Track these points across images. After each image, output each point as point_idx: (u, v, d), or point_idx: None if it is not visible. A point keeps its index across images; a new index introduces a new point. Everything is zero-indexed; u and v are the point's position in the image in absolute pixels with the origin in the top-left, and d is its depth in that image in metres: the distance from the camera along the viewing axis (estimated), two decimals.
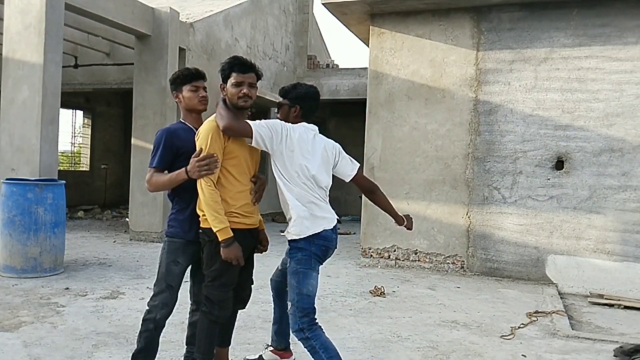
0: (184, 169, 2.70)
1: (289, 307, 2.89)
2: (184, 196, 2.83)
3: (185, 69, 3.04)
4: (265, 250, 3.04)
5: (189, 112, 3.00)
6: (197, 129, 2.86)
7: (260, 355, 3.45)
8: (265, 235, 3.05)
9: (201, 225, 2.74)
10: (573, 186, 6.18)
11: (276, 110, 3.25)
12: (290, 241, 2.90)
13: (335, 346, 2.91)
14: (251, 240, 2.88)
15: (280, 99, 3.07)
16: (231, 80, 2.79)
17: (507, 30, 6.49)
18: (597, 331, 4.59)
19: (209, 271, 2.73)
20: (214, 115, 2.79)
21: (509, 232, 6.43)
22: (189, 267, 2.94)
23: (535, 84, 6.36)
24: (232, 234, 2.62)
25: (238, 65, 2.79)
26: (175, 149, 2.82)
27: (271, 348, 3.44)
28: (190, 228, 2.81)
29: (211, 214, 2.61)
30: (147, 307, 2.88)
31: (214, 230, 2.61)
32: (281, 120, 3.01)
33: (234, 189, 2.74)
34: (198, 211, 2.75)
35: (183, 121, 3.01)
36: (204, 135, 2.71)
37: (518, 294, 5.71)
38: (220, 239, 2.61)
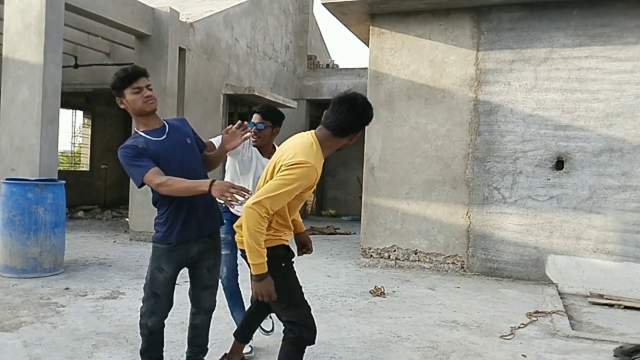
0: (208, 181, 2.48)
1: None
2: (163, 202, 2.66)
3: (122, 70, 2.69)
4: (311, 251, 3.10)
5: (140, 117, 2.70)
6: (152, 133, 2.68)
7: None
8: (307, 236, 3.10)
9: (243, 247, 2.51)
10: (573, 186, 6.18)
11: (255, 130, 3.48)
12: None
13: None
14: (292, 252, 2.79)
15: (260, 118, 3.47)
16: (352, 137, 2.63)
17: (507, 30, 6.49)
18: (597, 331, 4.59)
19: (278, 295, 2.48)
20: (307, 144, 2.49)
21: (509, 232, 6.43)
22: (186, 270, 2.87)
23: (535, 84, 6.36)
24: (266, 269, 2.40)
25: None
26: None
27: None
28: (171, 232, 2.66)
29: (252, 244, 2.35)
30: (139, 312, 2.84)
31: (251, 262, 2.39)
32: (261, 141, 3.49)
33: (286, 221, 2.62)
34: (236, 229, 2.62)
35: (137, 132, 2.72)
36: (297, 178, 2.37)
37: (518, 294, 5.71)
38: (254, 273, 2.41)
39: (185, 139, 2.77)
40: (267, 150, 3.60)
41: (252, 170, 3.53)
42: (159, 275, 2.73)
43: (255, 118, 3.53)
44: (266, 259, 2.40)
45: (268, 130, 3.52)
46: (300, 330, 2.50)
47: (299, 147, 2.45)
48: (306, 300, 2.62)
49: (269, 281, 2.42)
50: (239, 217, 3.60)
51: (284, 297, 2.51)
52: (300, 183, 2.37)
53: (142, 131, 2.70)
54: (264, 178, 2.60)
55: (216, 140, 3.42)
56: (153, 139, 2.67)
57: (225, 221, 3.54)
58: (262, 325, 3.65)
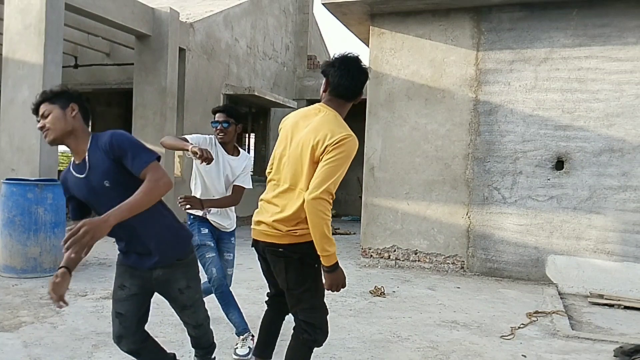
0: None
1: (231, 272, 3.79)
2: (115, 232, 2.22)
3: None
4: None
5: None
6: (75, 167, 2.28)
7: (249, 347, 3.54)
8: None
9: (285, 240, 2.38)
10: (573, 186, 6.18)
11: (223, 126, 3.64)
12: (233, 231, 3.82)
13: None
14: None
15: (224, 116, 3.61)
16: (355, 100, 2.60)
17: (507, 31, 6.49)
18: (597, 331, 4.59)
19: (300, 293, 2.43)
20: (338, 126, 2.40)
21: (509, 232, 6.43)
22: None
23: (535, 84, 6.36)
24: (337, 259, 2.34)
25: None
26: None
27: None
28: (128, 256, 2.46)
29: (325, 233, 2.24)
30: None
31: (324, 253, 2.27)
32: (227, 138, 3.65)
33: None
34: (277, 222, 2.38)
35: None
36: (348, 154, 2.33)
37: (518, 294, 5.71)
38: (327, 264, 2.29)
39: (103, 182, 2.22)
40: (230, 147, 3.79)
41: (220, 169, 3.66)
42: (121, 293, 2.52)
43: (220, 116, 3.70)
44: (298, 254, 2.37)
45: (232, 127, 3.71)
46: (316, 333, 2.46)
47: (331, 124, 2.36)
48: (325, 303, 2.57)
49: (341, 270, 2.35)
50: (214, 227, 3.66)
51: (310, 298, 2.45)
52: (351, 156, 2.34)
53: (72, 162, 2.35)
54: (279, 162, 2.50)
55: (192, 138, 3.49)
56: (74, 174, 2.30)
57: (206, 230, 3.68)
58: (236, 350, 3.56)
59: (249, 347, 3.52)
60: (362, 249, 7.16)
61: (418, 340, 4.02)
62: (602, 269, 6.02)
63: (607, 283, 5.96)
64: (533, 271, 6.32)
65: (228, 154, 3.75)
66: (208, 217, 3.70)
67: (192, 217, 3.72)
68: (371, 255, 7.06)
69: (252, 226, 2.59)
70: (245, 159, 3.90)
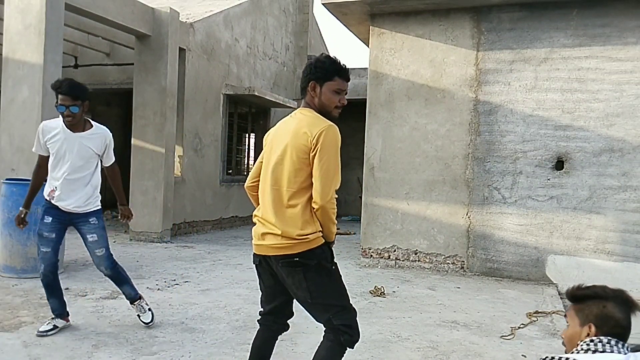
0: None
1: (104, 252, 3.80)
2: None
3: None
4: None
5: None
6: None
7: (54, 325, 3.79)
8: None
9: (298, 249, 2.33)
10: (573, 186, 6.18)
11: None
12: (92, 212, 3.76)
13: None
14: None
15: (71, 100, 3.56)
16: (332, 85, 2.42)
17: (507, 31, 6.49)
18: None
19: (326, 300, 2.38)
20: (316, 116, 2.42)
21: (509, 232, 6.43)
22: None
23: (535, 84, 6.36)
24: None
25: (344, 71, 2.45)
26: None
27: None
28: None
29: (334, 222, 2.43)
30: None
31: (330, 237, 2.42)
32: (76, 121, 3.60)
33: None
34: (294, 229, 2.33)
35: None
36: (334, 143, 2.34)
37: (518, 294, 5.71)
38: (332, 240, 2.46)
39: None
40: (80, 125, 3.72)
41: (72, 150, 3.65)
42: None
43: (66, 100, 3.55)
44: (315, 260, 2.34)
45: (81, 109, 3.63)
46: (353, 332, 2.40)
47: (305, 122, 2.37)
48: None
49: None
50: (65, 212, 3.63)
51: (337, 299, 2.40)
52: (338, 145, 2.34)
53: None
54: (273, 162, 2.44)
55: (41, 131, 3.70)
56: None
57: (50, 219, 3.70)
58: (141, 317, 3.95)
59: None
60: (362, 249, 7.16)
61: (418, 340, 4.02)
62: (602, 269, 6.02)
63: (607, 283, 5.92)
64: (533, 271, 6.32)
65: (78, 131, 3.69)
66: (53, 201, 3.65)
67: (44, 202, 3.73)
68: (371, 255, 7.06)
69: (254, 242, 2.49)
70: (102, 132, 3.83)
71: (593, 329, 1.82)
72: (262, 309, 2.66)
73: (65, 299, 3.94)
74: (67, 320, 3.92)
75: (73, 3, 6.68)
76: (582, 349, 1.79)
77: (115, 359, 3.37)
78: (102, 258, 3.79)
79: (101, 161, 3.90)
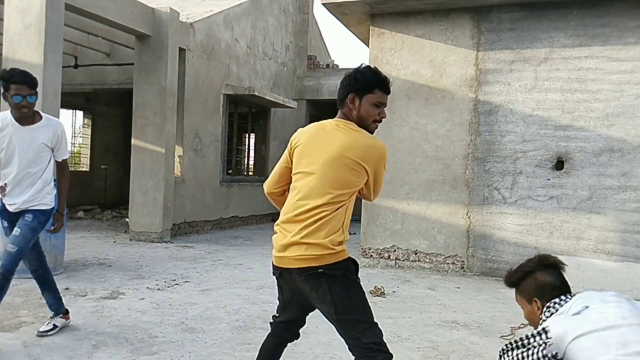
0: None
1: (14, 251, 3.42)
2: None
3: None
4: None
5: None
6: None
7: (54, 324, 3.78)
8: None
9: (324, 261, 2.22)
10: (573, 186, 6.18)
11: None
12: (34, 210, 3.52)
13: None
14: None
15: (28, 89, 3.37)
16: (372, 98, 2.31)
17: (507, 31, 6.49)
18: None
19: (356, 315, 2.24)
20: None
21: (509, 232, 6.43)
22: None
23: (535, 84, 6.36)
24: None
25: (385, 83, 2.34)
26: None
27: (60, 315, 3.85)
28: None
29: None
30: None
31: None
32: (31, 111, 3.45)
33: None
34: (321, 240, 2.24)
35: None
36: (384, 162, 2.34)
37: None
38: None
39: None
40: (31, 117, 3.51)
41: (22, 145, 3.45)
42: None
43: (22, 89, 3.36)
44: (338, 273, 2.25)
45: (36, 98, 3.46)
46: (387, 349, 2.24)
47: (357, 137, 2.30)
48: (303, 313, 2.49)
49: None
50: (13, 212, 3.53)
51: (363, 314, 2.26)
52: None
53: None
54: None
55: None
56: None
57: (6, 223, 3.63)
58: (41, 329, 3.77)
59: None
60: (362, 249, 7.16)
61: (418, 340, 4.02)
62: (602, 269, 6.02)
63: (607, 283, 5.96)
64: None
65: (27, 124, 3.47)
66: (4, 200, 3.52)
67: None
68: (371, 256, 7.06)
69: (275, 254, 2.34)
70: (52, 123, 3.60)
71: (538, 302, 2.05)
72: (276, 315, 2.56)
73: (61, 295, 3.93)
74: (67, 319, 3.92)
75: (73, 3, 6.68)
76: (546, 318, 1.98)
77: (115, 359, 3.37)
78: (8, 255, 3.44)
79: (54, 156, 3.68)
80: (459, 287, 5.92)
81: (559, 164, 6.27)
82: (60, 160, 3.69)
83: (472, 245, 6.60)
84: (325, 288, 2.22)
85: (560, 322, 1.86)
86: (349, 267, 2.30)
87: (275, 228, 2.39)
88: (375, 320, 2.29)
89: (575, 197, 6.17)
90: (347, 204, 2.33)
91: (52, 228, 3.80)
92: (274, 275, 2.41)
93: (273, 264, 2.38)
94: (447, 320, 4.58)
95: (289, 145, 2.47)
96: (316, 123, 2.45)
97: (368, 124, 2.35)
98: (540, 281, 2.10)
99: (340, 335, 2.30)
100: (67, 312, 3.93)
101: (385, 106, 2.39)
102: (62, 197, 3.73)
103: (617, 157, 6.01)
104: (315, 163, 2.30)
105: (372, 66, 2.39)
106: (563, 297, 2.00)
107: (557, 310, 1.97)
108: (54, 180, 3.78)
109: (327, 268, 2.21)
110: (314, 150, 2.33)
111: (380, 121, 2.37)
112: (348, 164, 2.25)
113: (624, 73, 6.01)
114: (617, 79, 6.03)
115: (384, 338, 2.26)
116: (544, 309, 2.02)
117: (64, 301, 3.96)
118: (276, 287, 2.50)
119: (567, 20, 6.24)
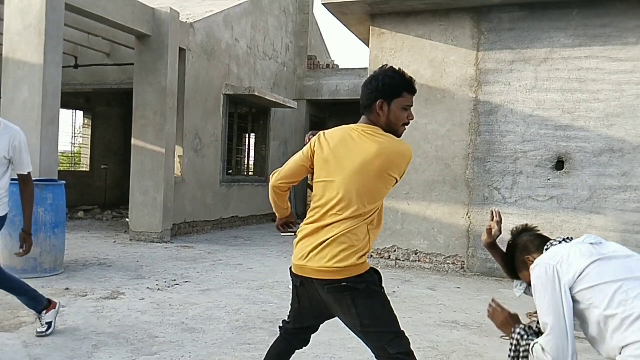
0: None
1: None
2: None
3: None
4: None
5: None
6: None
7: (46, 322, 3.68)
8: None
9: (346, 274, 2.13)
10: (573, 186, 6.18)
11: None
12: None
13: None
14: None
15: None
16: (401, 102, 2.26)
17: (507, 30, 6.49)
18: None
19: (382, 326, 2.18)
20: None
21: (509, 232, 6.41)
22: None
23: (535, 84, 6.36)
24: None
25: (412, 85, 2.31)
26: None
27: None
28: None
29: None
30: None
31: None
32: None
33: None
34: (346, 251, 2.14)
35: None
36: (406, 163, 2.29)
37: None
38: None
39: None
40: None
41: None
42: None
43: None
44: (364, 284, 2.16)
45: None
46: (413, 358, 2.20)
47: (392, 145, 2.23)
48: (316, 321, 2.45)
49: None
50: None
51: (389, 325, 2.21)
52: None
53: None
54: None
55: None
56: None
57: None
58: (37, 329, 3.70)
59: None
60: None
61: (418, 340, 4.02)
62: None
63: None
64: None
65: None
66: None
67: None
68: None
69: (295, 261, 2.26)
70: (10, 131, 3.26)
71: (530, 257, 2.28)
72: (287, 320, 2.48)
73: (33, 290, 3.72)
74: (54, 306, 3.72)
75: (73, 3, 6.68)
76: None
77: (115, 359, 3.37)
78: None
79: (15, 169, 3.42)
80: (459, 287, 5.92)
81: (559, 164, 6.27)
82: (20, 173, 3.39)
83: (472, 245, 6.60)
84: (349, 301, 2.15)
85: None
86: (372, 279, 2.21)
87: (299, 233, 2.30)
88: (402, 329, 2.24)
89: (575, 197, 6.17)
90: (374, 216, 2.25)
91: (21, 250, 3.54)
92: (293, 283, 2.32)
93: (292, 271, 2.30)
94: (447, 320, 4.58)
95: (310, 144, 2.35)
96: (340, 128, 2.33)
97: (397, 128, 2.28)
98: (521, 243, 2.40)
99: (367, 345, 2.25)
100: (49, 302, 3.71)
101: (412, 106, 2.32)
102: (28, 215, 3.46)
103: (617, 157, 6.01)
104: (341, 172, 2.20)
105: (396, 68, 2.33)
106: (553, 241, 2.24)
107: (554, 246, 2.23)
108: (19, 194, 3.55)
109: (350, 281, 2.14)
110: (341, 158, 2.22)
111: (408, 123, 2.30)
112: (377, 172, 2.19)
113: (624, 73, 6.01)
114: (617, 79, 6.03)
115: (411, 347, 2.21)
116: (544, 250, 2.25)
117: (42, 292, 3.83)
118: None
119: (567, 20, 6.24)
